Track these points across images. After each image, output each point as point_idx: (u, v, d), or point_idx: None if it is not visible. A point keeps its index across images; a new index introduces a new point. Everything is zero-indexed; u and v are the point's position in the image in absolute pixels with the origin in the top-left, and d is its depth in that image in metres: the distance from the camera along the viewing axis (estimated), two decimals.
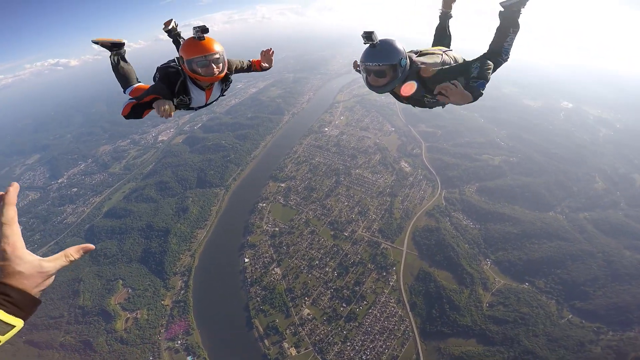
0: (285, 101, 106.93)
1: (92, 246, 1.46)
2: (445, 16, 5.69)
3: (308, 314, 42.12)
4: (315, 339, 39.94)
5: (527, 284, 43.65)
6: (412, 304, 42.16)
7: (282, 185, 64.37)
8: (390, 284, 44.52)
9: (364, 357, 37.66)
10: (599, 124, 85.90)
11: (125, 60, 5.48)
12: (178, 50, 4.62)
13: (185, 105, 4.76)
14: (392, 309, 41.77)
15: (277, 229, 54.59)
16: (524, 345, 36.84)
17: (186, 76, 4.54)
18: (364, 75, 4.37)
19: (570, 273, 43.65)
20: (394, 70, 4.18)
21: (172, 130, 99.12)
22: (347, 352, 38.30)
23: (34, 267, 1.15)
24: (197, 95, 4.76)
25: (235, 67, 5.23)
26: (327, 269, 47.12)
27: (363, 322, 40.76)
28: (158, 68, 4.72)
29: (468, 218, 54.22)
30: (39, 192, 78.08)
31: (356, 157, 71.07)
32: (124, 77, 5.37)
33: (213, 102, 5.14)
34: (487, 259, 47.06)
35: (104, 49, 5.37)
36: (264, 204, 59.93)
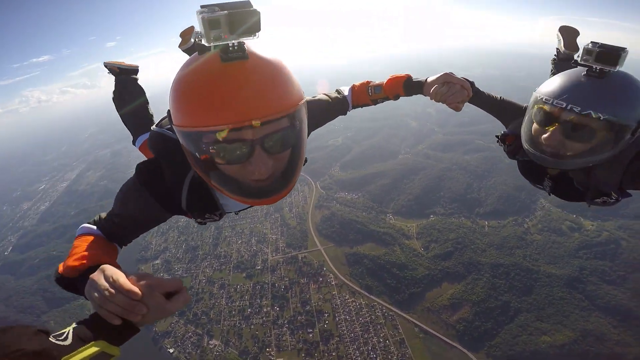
0: (111, 180, 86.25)
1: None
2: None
3: None
4: None
5: (431, 216, 45.86)
6: (367, 287, 37.78)
7: (157, 262, 49.83)
8: (333, 283, 39.13)
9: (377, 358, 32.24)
10: None
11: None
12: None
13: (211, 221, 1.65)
14: (354, 303, 36.88)
15: None
16: (484, 262, 37.55)
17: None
18: (536, 121, 1.71)
19: (449, 189, 49.05)
20: (617, 135, 1.53)
21: None
22: None
23: (158, 307, 0.96)
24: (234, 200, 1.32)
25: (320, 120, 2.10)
26: (265, 310, 38.52)
27: (341, 333, 34.29)
28: (149, 137, 1.55)
29: (349, 192, 54.87)
30: None
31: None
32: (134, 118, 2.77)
33: None
34: (387, 214, 47.72)
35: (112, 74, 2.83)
36: None
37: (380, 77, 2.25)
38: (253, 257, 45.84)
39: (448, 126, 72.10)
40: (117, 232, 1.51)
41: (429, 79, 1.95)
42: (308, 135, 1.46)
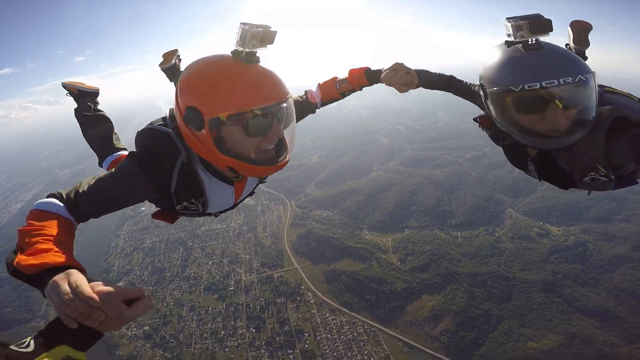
0: None
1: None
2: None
3: None
4: None
5: (406, 229, 46.06)
6: (346, 304, 36.47)
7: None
8: (312, 302, 37.49)
9: None
10: (358, 108, 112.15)
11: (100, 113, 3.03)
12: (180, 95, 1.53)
13: (192, 212, 1.83)
14: (335, 320, 35.34)
15: (146, 327, 37.62)
16: (461, 272, 37.52)
17: (194, 157, 1.63)
18: (524, 111, 1.59)
19: (422, 203, 49.78)
20: (589, 87, 1.52)
21: None
22: None
23: (117, 314, 1.00)
24: (217, 194, 1.81)
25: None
26: (240, 332, 36.03)
27: (324, 353, 32.54)
28: (138, 133, 1.70)
29: (325, 210, 54.26)
30: None
31: (193, 217, 60.29)
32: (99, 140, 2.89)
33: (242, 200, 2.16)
34: (363, 230, 47.45)
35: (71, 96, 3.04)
36: None
37: None
38: (225, 278, 43.35)
39: (417, 142, 74.74)
40: (88, 209, 1.50)
41: (384, 67, 2.27)
42: None
